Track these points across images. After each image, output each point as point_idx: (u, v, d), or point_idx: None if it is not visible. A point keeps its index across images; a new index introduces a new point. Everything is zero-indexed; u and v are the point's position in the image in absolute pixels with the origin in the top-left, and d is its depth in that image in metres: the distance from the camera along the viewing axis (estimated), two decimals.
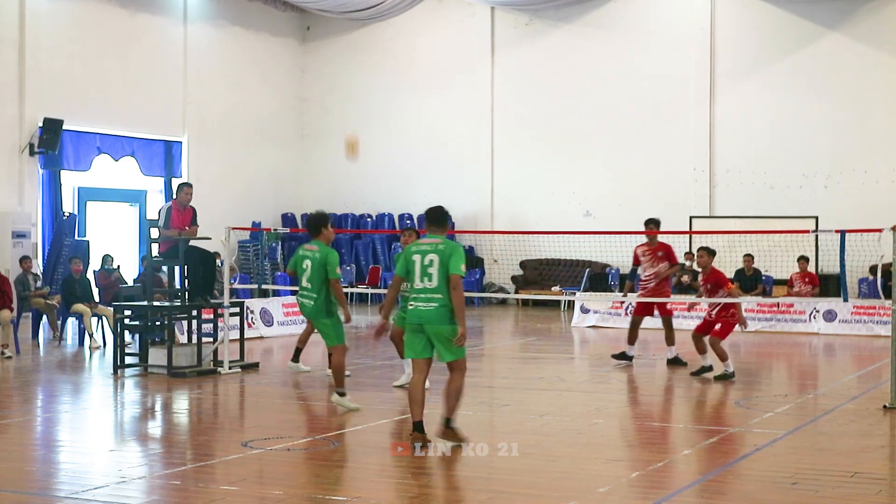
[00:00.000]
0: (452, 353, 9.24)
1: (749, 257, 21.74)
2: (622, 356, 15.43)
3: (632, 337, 15.39)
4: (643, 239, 15.55)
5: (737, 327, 13.87)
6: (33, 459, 9.27)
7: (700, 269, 14.30)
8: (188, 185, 14.79)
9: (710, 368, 13.90)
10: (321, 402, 12.04)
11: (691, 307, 20.22)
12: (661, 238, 15.66)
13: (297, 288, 11.68)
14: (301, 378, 13.91)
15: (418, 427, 9.08)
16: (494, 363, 16.72)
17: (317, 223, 11.47)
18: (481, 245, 28.51)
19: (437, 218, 9.69)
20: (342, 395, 11.14)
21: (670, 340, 15.23)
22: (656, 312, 15.35)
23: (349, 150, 29.58)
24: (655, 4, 27.36)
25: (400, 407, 11.55)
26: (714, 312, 13.82)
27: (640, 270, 15.55)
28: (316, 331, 11.97)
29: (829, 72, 25.66)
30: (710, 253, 13.99)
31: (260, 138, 29.37)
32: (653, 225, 15.47)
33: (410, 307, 9.34)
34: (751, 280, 21.57)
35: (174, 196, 14.71)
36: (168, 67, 26.75)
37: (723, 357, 13.60)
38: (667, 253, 15.39)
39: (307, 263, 11.32)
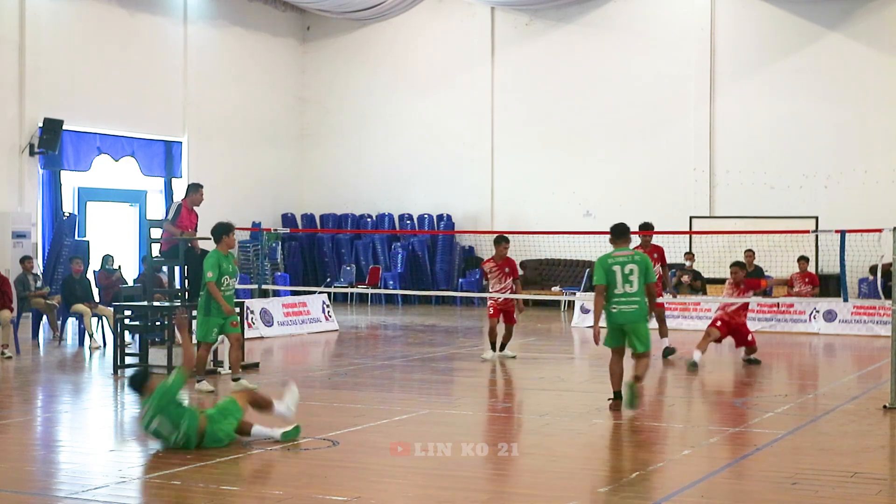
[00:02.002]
0: (644, 346, 11.22)
1: (750, 253, 21.63)
2: (666, 352, 16.02)
3: (662, 330, 16.06)
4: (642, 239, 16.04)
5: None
6: (33, 459, 9.27)
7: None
8: (202, 187, 14.79)
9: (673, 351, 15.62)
10: (321, 402, 12.04)
11: (693, 307, 20.23)
12: (656, 239, 16.26)
13: (295, 288, 11.88)
14: (301, 378, 13.90)
15: (618, 395, 11.19)
16: (494, 363, 16.72)
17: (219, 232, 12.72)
18: (481, 245, 28.49)
19: (623, 232, 11.65)
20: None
21: (662, 333, 15.96)
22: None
23: None
24: (655, 4, 27.36)
25: (400, 407, 11.56)
26: (731, 310, 15.10)
27: None
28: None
29: (829, 72, 25.66)
30: (743, 267, 15.46)
31: (260, 138, 29.37)
32: (647, 228, 16.06)
33: (614, 310, 11.17)
34: (752, 277, 21.50)
35: (184, 195, 14.72)
36: (168, 67, 26.74)
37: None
38: (660, 255, 16.18)
39: None
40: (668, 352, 15.87)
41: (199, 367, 12.46)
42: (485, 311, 18.26)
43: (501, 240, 15.84)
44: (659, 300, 15.84)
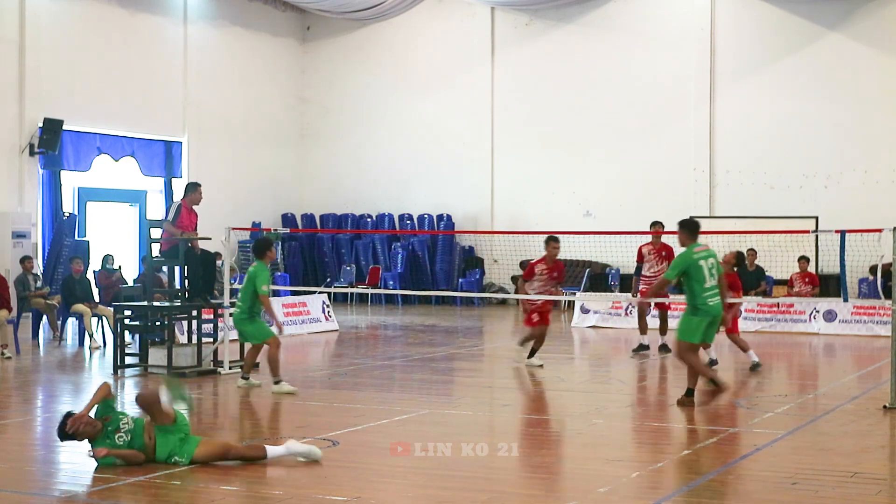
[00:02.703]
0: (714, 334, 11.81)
1: (752, 252, 21.61)
2: (640, 348, 16.53)
3: (643, 326, 16.61)
4: (645, 239, 16.27)
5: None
6: (33, 459, 9.27)
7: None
8: (200, 185, 14.79)
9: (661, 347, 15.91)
10: (321, 403, 12.04)
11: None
12: (663, 239, 16.52)
13: (295, 288, 11.98)
14: (301, 379, 13.90)
15: (692, 392, 11.54)
16: (494, 363, 16.73)
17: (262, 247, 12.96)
18: (481, 245, 28.51)
19: (697, 228, 11.68)
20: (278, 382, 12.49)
21: (663, 331, 16.42)
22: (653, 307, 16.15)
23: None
24: (656, 4, 27.36)
25: (400, 407, 11.56)
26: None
27: (645, 268, 16.51)
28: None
29: (829, 72, 25.65)
30: (741, 261, 15.45)
31: (260, 138, 29.37)
32: (659, 226, 16.45)
33: (712, 302, 11.28)
34: (753, 276, 21.48)
35: (182, 194, 14.72)
36: (168, 67, 26.75)
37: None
38: (669, 253, 16.26)
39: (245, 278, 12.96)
40: (663, 348, 16.35)
41: (274, 369, 12.56)
42: (485, 311, 18.24)
43: (552, 240, 15.31)
44: (661, 300, 16.00)
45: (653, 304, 16.73)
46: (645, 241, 16.78)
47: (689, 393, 11.50)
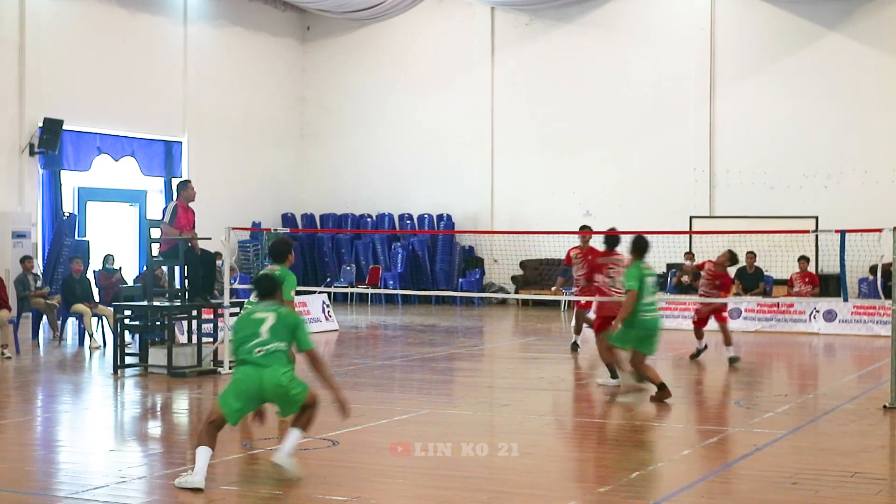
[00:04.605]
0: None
1: (751, 255, 21.64)
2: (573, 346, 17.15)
3: (578, 327, 17.07)
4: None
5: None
6: (33, 459, 9.27)
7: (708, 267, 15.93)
8: (190, 182, 14.79)
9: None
10: (321, 402, 12.01)
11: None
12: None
13: (298, 288, 11.72)
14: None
15: (663, 386, 11.90)
16: (494, 363, 16.73)
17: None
18: (481, 245, 28.50)
19: (647, 248, 12.17)
20: None
21: (577, 330, 17.04)
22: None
23: None
24: (656, 4, 27.36)
25: (400, 407, 11.56)
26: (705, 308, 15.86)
27: (573, 270, 16.24)
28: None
29: (829, 72, 25.65)
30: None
31: (260, 138, 29.37)
32: (587, 229, 16.44)
33: (646, 317, 11.80)
34: (753, 278, 21.51)
35: (176, 195, 14.71)
36: (168, 67, 26.74)
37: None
38: (595, 256, 15.36)
39: None
40: (574, 346, 17.10)
41: None
42: (485, 311, 18.27)
43: (584, 228, 16.39)
44: (580, 299, 16.18)
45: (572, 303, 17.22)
46: (574, 245, 16.44)
47: (661, 387, 11.82)
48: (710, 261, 16.24)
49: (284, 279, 11.47)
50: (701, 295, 16.13)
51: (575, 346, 17.18)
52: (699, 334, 15.95)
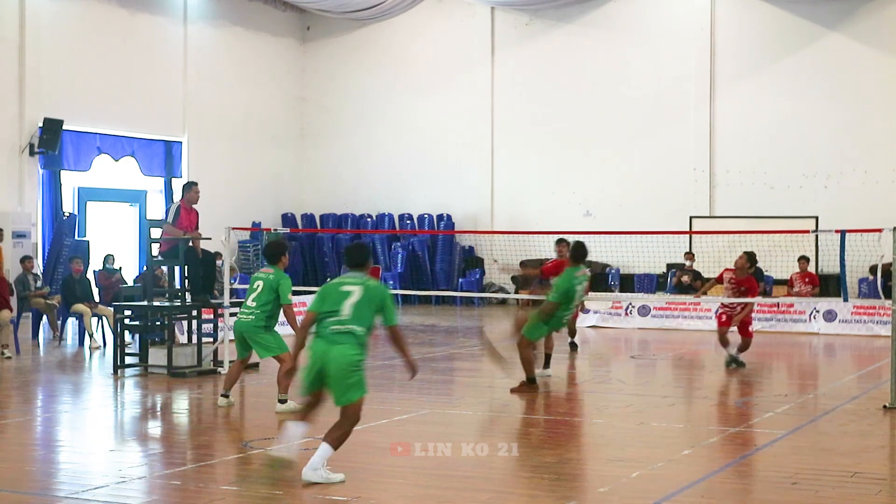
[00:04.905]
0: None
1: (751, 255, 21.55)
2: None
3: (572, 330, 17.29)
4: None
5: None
6: (33, 459, 9.27)
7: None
8: (195, 184, 14.81)
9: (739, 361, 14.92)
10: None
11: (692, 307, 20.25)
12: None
13: (295, 288, 11.73)
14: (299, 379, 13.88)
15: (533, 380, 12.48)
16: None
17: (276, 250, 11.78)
18: (481, 245, 28.50)
19: (585, 254, 12.60)
20: (283, 401, 11.15)
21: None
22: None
23: None
24: (656, 4, 27.36)
25: (400, 407, 11.56)
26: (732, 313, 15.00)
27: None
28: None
29: (829, 72, 25.65)
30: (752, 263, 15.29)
31: (260, 138, 29.37)
32: (563, 244, 15.65)
33: (565, 320, 12.89)
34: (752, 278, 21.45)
35: (180, 195, 14.73)
36: (168, 67, 26.74)
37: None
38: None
39: (258, 284, 11.42)
40: (573, 346, 17.31)
41: (284, 385, 11.17)
42: (485, 311, 18.25)
43: (559, 242, 15.99)
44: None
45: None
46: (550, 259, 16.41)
47: (531, 380, 12.40)
48: (728, 269, 15.25)
49: (280, 282, 11.49)
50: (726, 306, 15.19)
51: (574, 347, 17.18)
52: (724, 341, 15.05)
